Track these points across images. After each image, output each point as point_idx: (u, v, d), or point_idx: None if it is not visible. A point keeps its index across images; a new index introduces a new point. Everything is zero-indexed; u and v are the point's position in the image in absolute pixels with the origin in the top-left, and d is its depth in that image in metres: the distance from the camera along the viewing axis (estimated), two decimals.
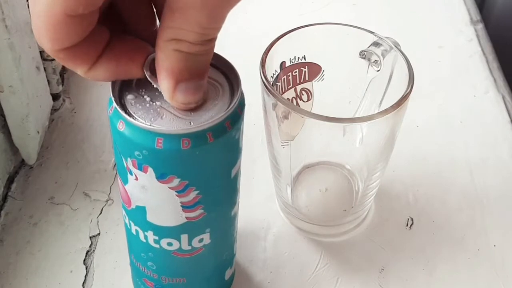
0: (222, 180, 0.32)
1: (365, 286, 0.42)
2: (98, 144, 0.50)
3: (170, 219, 0.32)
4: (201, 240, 0.34)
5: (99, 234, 0.44)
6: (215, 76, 0.31)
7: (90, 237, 0.44)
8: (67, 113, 0.52)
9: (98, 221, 0.45)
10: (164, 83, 0.29)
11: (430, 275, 0.42)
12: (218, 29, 0.28)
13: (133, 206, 0.33)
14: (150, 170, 0.30)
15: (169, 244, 0.34)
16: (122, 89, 0.31)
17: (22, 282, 0.41)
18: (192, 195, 0.31)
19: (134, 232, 0.34)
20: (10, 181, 0.47)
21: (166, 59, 0.28)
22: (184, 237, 0.33)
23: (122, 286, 0.41)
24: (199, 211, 0.32)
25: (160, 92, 0.30)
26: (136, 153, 0.29)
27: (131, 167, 0.30)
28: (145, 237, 0.34)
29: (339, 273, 0.42)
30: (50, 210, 0.45)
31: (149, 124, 0.29)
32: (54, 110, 0.52)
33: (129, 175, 0.31)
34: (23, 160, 0.48)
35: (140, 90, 0.30)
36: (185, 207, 0.32)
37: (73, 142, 0.50)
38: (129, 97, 0.30)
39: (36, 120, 0.47)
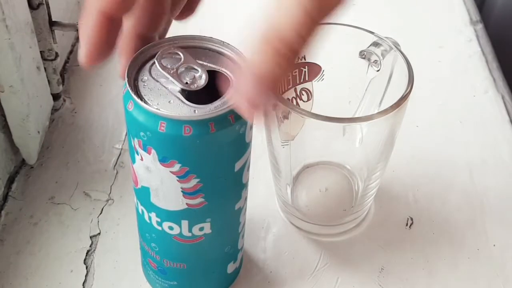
0: (224, 172, 0.33)
1: (365, 286, 0.42)
2: (98, 144, 0.50)
3: (171, 203, 0.33)
4: (201, 229, 0.34)
5: (99, 233, 0.44)
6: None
7: (91, 237, 0.44)
8: (67, 113, 0.52)
9: (98, 221, 0.45)
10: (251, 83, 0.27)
11: (430, 275, 0.42)
12: (311, 35, 0.28)
13: (139, 186, 0.33)
14: (153, 152, 0.31)
15: (170, 228, 0.34)
16: (139, 70, 0.31)
17: (22, 282, 0.41)
18: (193, 182, 0.32)
19: (140, 211, 0.35)
20: (10, 181, 0.47)
21: (264, 65, 0.27)
22: (185, 223, 0.34)
23: (122, 286, 0.41)
24: (199, 199, 0.33)
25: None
26: (142, 133, 0.30)
27: (137, 147, 0.31)
28: (149, 218, 0.34)
29: (339, 273, 0.42)
30: (50, 210, 0.45)
31: (155, 107, 0.30)
32: (54, 110, 0.52)
33: (136, 155, 0.32)
34: (23, 160, 0.48)
35: (155, 74, 0.31)
36: (186, 193, 0.32)
37: (74, 142, 0.50)
38: (144, 79, 0.31)
39: (37, 120, 0.47)
